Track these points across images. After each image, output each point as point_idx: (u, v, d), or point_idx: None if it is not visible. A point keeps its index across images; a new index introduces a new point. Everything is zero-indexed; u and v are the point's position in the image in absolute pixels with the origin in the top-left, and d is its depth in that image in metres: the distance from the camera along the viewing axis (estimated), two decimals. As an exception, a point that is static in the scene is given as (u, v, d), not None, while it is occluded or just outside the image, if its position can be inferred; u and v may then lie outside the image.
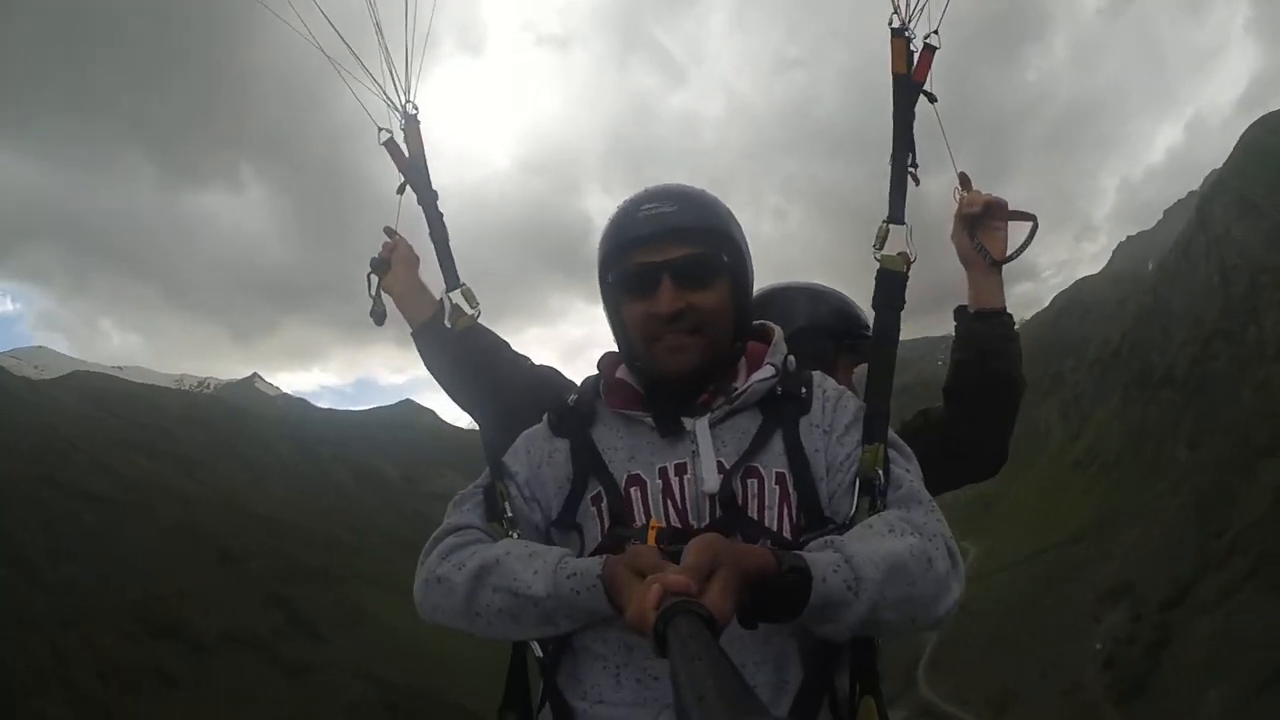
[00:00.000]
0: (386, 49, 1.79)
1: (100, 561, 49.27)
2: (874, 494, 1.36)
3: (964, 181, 1.87)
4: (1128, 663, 41.49)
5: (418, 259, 2.05)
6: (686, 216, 1.42)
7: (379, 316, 2.02)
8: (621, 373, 1.56)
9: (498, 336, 2.02)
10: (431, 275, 2.01)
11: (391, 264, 2.03)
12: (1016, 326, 1.90)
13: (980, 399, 1.85)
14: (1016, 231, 1.84)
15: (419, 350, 1.99)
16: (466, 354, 1.87)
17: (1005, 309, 1.87)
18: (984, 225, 1.84)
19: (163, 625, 45.80)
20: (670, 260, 1.40)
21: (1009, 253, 1.83)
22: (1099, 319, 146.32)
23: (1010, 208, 1.84)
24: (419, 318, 2.02)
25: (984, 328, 1.85)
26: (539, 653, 1.44)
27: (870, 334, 1.64)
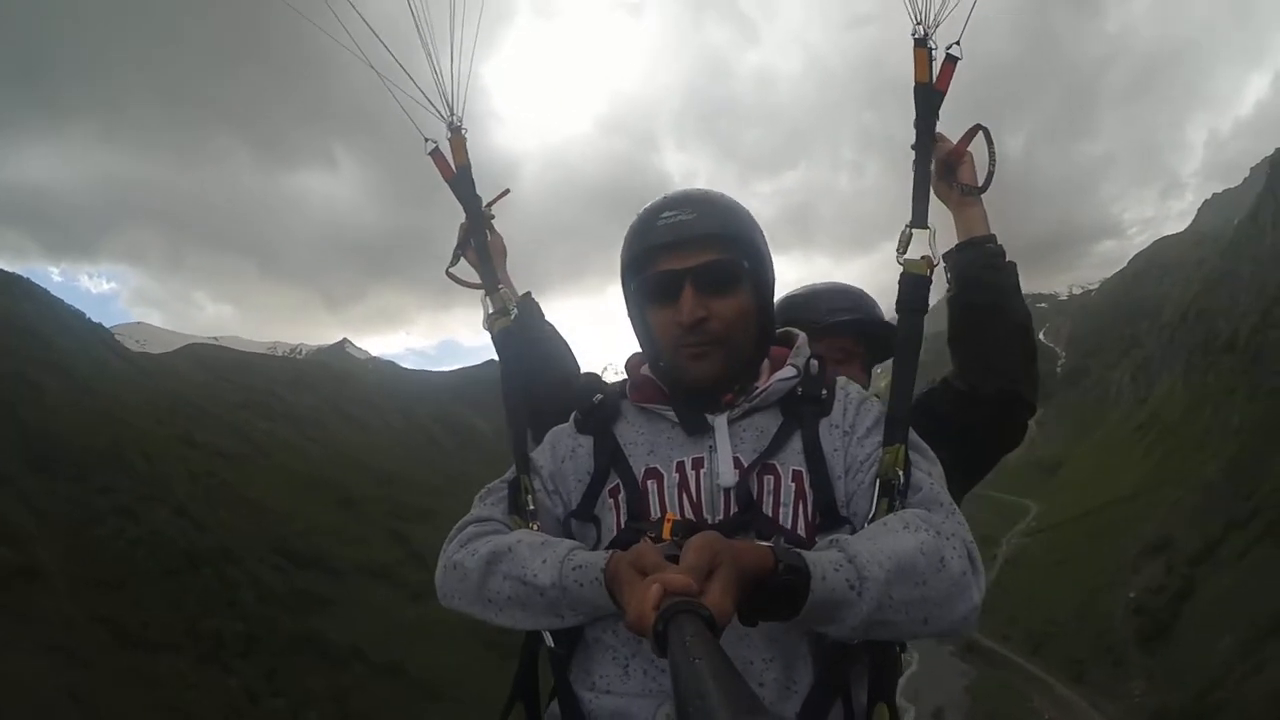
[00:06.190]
0: (434, 62, 1.80)
1: (243, 507, 57.91)
2: (893, 495, 1.34)
3: (938, 139, 1.76)
4: (1154, 610, 45.22)
5: (505, 250, 2.07)
6: (706, 223, 1.42)
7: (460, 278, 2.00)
8: (647, 370, 1.59)
9: (566, 344, 2.05)
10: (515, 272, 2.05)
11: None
12: (1004, 246, 1.77)
13: (967, 336, 1.74)
14: (980, 153, 1.79)
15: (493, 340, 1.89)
16: (523, 357, 1.85)
17: (989, 236, 1.76)
18: (959, 164, 1.80)
19: (305, 557, 54.33)
20: (691, 267, 1.41)
21: (984, 177, 1.77)
22: (1176, 281, 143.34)
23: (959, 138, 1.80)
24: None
25: (962, 258, 1.75)
26: (549, 642, 1.43)
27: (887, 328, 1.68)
